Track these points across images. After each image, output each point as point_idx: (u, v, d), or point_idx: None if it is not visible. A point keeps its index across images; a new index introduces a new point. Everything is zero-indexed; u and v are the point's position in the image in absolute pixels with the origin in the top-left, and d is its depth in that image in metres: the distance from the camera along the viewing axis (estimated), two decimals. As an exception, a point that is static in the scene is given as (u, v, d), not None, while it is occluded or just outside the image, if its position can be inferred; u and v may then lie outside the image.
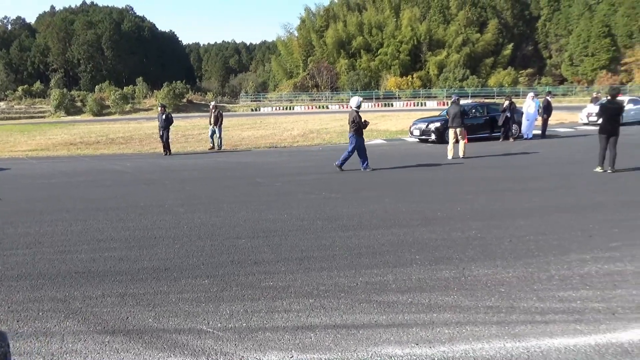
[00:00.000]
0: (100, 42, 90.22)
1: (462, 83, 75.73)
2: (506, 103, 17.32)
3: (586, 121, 24.03)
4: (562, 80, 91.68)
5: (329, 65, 79.52)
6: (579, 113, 26.22)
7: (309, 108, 60.70)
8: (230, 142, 19.62)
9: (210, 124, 17.41)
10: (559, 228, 5.75)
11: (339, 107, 61.26)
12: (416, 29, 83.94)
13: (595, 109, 23.72)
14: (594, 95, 34.80)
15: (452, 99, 13.16)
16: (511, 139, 17.29)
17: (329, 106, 63.28)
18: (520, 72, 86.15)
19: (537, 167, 11.21)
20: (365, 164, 11.07)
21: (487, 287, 4.01)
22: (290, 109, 60.48)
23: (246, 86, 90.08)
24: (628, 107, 23.38)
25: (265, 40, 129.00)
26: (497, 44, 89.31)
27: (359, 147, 11.01)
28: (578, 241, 5.21)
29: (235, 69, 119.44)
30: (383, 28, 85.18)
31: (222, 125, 17.58)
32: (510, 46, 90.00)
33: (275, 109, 61.20)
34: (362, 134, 11.10)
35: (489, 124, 17.73)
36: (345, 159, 11.10)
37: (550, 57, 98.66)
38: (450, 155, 12.52)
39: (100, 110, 59.14)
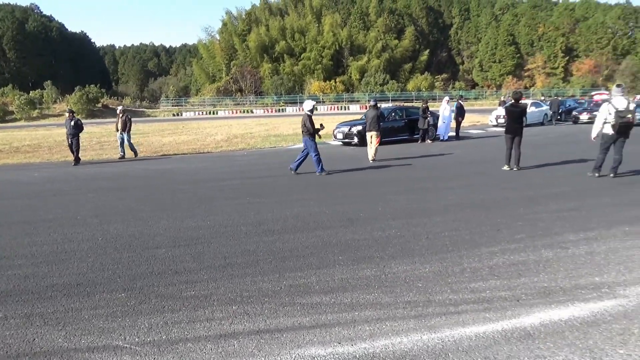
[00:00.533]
0: (2, 43, 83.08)
1: (383, 87, 78.31)
2: (423, 106, 18.20)
3: (495, 123, 25.78)
4: (474, 85, 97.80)
5: (252, 70, 78.94)
6: (489, 116, 28.06)
7: (233, 113, 59.88)
8: (150, 148, 18.87)
9: (117, 130, 16.28)
10: (471, 224, 6.12)
11: (264, 112, 61.08)
12: (338, 35, 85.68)
13: (503, 111, 25.51)
14: (502, 99, 37.45)
15: (370, 103, 13.51)
16: (428, 141, 18.16)
17: (254, 111, 62.85)
18: (436, 77, 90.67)
19: (452, 167, 11.86)
20: (319, 169, 10.99)
21: (405, 283, 4.17)
22: (213, 113, 59.32)
23: (167, 90, 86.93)
24: (530, 109, 25.44)
25: (186, 43, 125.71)
26: (414, 50, 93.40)
27: (310, 150, 10.93)
28: (488, 235, 5.58)
29: (155, 73, 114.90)
30: (305, 33, 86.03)
31: (132, 132, 16.54)
32: (426, 52, 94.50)
33: (198, 114, 59.72)
34: (314, 137, 11.03)
35: (408, 127, 18.50)
36: (319, 162, 10.95)
37: (462, 63, 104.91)
38: (370, 158, 12.86)
39: (3, 117, 54.46)
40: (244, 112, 61.20)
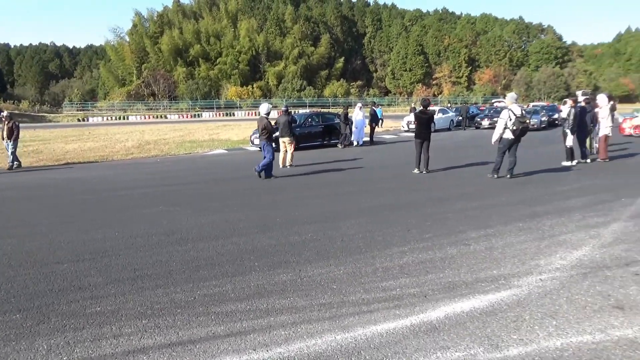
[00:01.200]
0: None
1: (300, 93, 79.10)
2: (343, 113, 18.71)
3: (407, 128, 27.05)
4: (387, 92, 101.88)
5: (165, 74, 76.13)
6: (401, 121, 29.35)
7: (145, 118, 57.26)
8: (51, 156, 17.50)
9: (4, 139, 14.59)
10: (384, 225, 6.36)
11: (179, 117, 59.11)
12: (254, 40, 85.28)
13: (413, 117, 26.78)
14: (412, 105, 39.33)
15: (281, 109, 13.56)
16: (339, 146, 18.60)
17: (168, 116, 60.62)
18: (352, 83, 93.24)
19: (366, 171, 12.25)
20: (260, 168, 10.89)
21: (321, 286, 4.24)
22: (124, 118, 56.30)
23: (71, 94, 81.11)
24: (438, 116, 27.03)
25: (91, 44, 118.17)
26: (330, 58, 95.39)
27: (267, 153, 10.83)
28: (399, 235, 5.83)
29: (57, 75, 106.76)
30: (221, 37, 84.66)
31: (23, 139, 14.78)
32: (341, 60, 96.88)
33: (107, 119, 56.38)
34: (272, 140, 10.89)
35: (324, 132, 18.85)
36: (268, 167, 10.84)
37: (376, 70, 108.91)
38: (281, 164, 12.87)
39: None
40: (157, 117, 58.78)
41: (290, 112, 13.83)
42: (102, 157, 17.10)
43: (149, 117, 57.80)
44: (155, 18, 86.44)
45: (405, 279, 4.38)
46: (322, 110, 43.32)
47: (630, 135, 20.35)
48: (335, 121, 19.63)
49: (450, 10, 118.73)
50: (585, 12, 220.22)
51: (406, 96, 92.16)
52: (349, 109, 19.74)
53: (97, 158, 16.94)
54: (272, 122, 11.09)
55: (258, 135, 10.87)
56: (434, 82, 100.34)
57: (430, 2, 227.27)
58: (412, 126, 26.54)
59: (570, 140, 11.76)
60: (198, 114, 62.06)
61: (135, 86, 74.90)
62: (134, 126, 40.20)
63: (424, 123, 11.14)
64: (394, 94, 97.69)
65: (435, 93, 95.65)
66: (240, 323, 3.54)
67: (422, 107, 11.42)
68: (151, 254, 5.29)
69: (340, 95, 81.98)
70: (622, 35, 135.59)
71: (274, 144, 11.14)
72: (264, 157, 10.88)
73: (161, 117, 59.55)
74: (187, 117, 59.63)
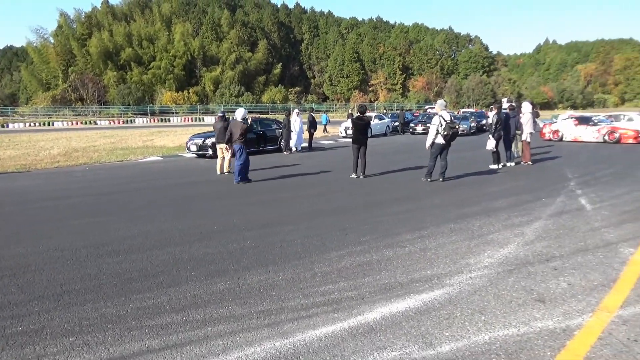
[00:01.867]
0: None
1: (238, 99, 78.21)
2: (285, 119, 18.71)
3: (345, 134, 27.45)
4: (325, 98, 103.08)
5: (94, 77, 72.67)
6: (339, 127, 29.75)
7: (72, 124, 54.22)
8: (-35, 165, 16.12)
9: None
10: (322, 230, 6.42)
11: (110, 123, 56.54)
12: (189, 44, 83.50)
13: (350, 123, 27.28)
14: (349, 111, 40.06)
15: (218, 114, 13.33)
16: (285, 152, 18.61)
17: (98, 122, 57.80)
18: (290, 89, 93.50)
19: (305, 176, 12.29)
20: (242, 175, 11.00)
21: (259, 293, 4.21)
22: (49, 125, 52.99)
23: (-13, 98, 75.41)
24: (374, 122, 27.69)
25: (11, 45, 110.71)
26: (267, 63, 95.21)
27: (239, 157, 10.92)
28: (337, 240, 5.91)
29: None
30: (155, 41, 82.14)
31: None
32: (279, 66, 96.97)
33: (30, 125, 52.80)
34: (245, 144, 11.02)
35: (263, 138, 18.76)
36: (241, 170, 10.96)
37: (314, 77, 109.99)
38: (218, 170, 12.66)
39: None
40: (86, 123, 55.85)
41: (227, 118, 13.64)
42: (25, 166, 15.98)
43: (77, 123, 54.78)
44: (82, 19, 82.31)
45: (344, 282, 4.44)
46: (261, 116, 43.15)
47: (550, 140, 21.88)
48: (273, 127, 19.58)
49: (385, 20, 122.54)
50: (509, 24, 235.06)
51: (344, 102, 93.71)
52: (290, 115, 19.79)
53: (19, 167, 15.82)
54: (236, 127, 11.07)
55: (233, 139, 11.05)
56: (370, 89, 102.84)
57: (365, 10, 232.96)
58: (350, 132, 27.06)
59: (490, 144, 12.45)
60: (131, 120, 59.67)
61: (62, 90, 70.91)
62: (60, 133, 37.94)
63: (361, 129, 11.37)
64: (332, 100, 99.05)
65: (372, 99, 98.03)
66: (176, 335, 3.44)
67: (359, 113, 11.65)
68: (79, 268, 5.01)
69: (278, 101, 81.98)
70: (542, 47, 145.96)
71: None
72: (236, 161, 11.03)
73: (90, 123, 56.66)
74: (119, 123, 57.14)
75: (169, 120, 60.97)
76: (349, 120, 29.78)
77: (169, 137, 29.42)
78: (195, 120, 60.58)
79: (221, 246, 5.71)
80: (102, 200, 9.46)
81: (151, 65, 79.41)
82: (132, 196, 9.86)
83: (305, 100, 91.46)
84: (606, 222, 6.58)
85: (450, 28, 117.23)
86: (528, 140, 13.41)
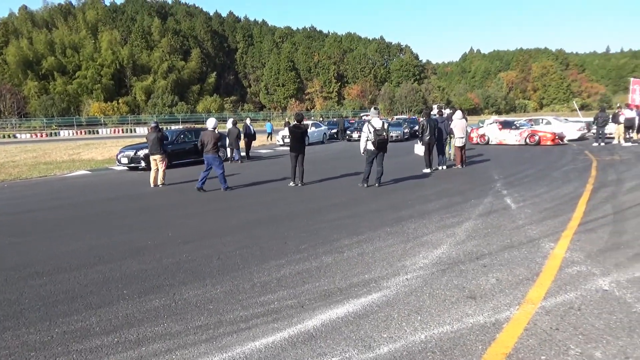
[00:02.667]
0: None
1: (172, 109, 76.19)
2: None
3: (282, 142, 27.46)
4: (262, 107, 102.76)
5: (12, 88, 67.98)
6: (276, 136, 29.70)
7: (-12, 138, 50.35)
8: None
9: None
10: (261, 239, 6.36)
11: (32, 136, 53.11)
12: (118, 53, 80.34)
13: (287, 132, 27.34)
14: (286, 120, 40.13)
15: (151, 125, 12.92)
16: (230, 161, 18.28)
17: (18, 135, 54.10)
18: (226, 99, 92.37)
19: (243, 186, 12.14)
20: (225, 185, 11.10)
21: (197, 307, 4.09)
22: (-39, 139, 48.88)
23: None
24: (311, 130, 27.92)
25: None
26: (202, 72, 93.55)
27: (212, 166, 11.07)
28: (276, 248, 5.87)
29: None
30: (80, 49, 78.32)
31: None
32: (214, 75, 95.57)
33: (-62, 141, 48.42)
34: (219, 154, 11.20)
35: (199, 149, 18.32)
36: (224, 179, 11.12)
37: (250, 86, 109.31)
38: (152, 183, 12.24)
39: None
40: (4, 137, 52.07)
41: (161, 128, 13.22)
42: None
43: (-6, 137, 50.97)
44: (-2, 26, 76.97)
45: (283, 291, 4.41)
46: (196, 126, 42.18)
47: (478, 144, 23.05)
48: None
49: (318, 29, 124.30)
50: (436, 34, 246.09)
51: (280, 111, 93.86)
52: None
53: None
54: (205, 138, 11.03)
55: (206, 149, 11.07)
56: (306, 97, 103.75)
57: (298, 20, 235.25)
58: (287, 140, 27.10)
59: (418, 149, 12.96)
60: (55, 133, 56.37)
61: (-25, 102, 65.77)
62: (-25, 148, 35.08)
63: (298, 137, 11.41)
64: (269, 108, 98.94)
65: (308, 107, 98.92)
66: (107, 358, 3.26)
67: (295, 122, 11.69)
68: (-3, 293, 4.63)
69: (214, 111, 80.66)
70: (467, 55, 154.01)
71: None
72: (207, 170, 11.10)
73: (9, 136, 52.94)
74: (41, 136, 53.80)
75: (98, 132, 58.19)
76: (286, 129, 29.90)
77: (97, 149, 28.06)
78: (127, 132, 58.24)
79: (155, 261, 5.50)
80: (23, 218, 8.84)
81: (76, 74, 75.57)
82: (57, 213, 9.29)
83: (242, 109, 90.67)
84: (529, 219, 7.01)
85: (381, 37, 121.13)
86: (459, 145, 14.05)
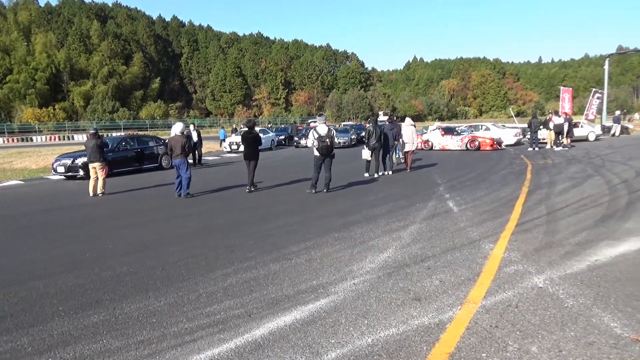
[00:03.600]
0: None
1: (113, 115, 73.40)
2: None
3: (229, 149, 27.13)
4: (208, 113, 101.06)
5: None
6: (224, 142, 29.28)
7: None
8: None
9: None
10: (207, 248, 6.22)
11: (-43, 144, 49.44)
12: (54, 56, 76.53)
13: (236, 138, 27.17)
14: (234, 126, 39.73)
15: (90, 132, 12.40)
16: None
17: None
18: (170, 105, 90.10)
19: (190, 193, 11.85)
20: (186, 190, 11.04)
21: (139, 322, 3.93)
22: None
23: None
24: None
25: None
26: (145, 78, 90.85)
27: (180, 170, 11.01)
28: (222, 257, 5.76)
29: None
30: (11, 52, 74.03)
31: None
32: (157, 80, 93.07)
33: None
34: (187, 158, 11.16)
35: (141, 156, 17.75)
36: (189, 184, 11.05)
37: (195, 92, 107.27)
38: (91, 192, 11.73)
39: None
40: None
41: (100, 135, 12.68)
42: None
43: None
44: None
45: (230, 300, 4.33)
46: (139, 133, 40.86)
47: (422, 149, 23.74)
48: (151, 144, 18.60)
49: (265, 35, 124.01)
50: (381, 42, 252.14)
51: (228, 117, 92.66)
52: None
53: None
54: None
55: (174, 154, 10.96)
56: (254, 104, 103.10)
57: (245, 26, 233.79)
58: (235, 147, 26.80)
59: (365, 154, 13.27)
60: (-17, 140, 52.80)
61: None
62: None
63: (251, 143, 11.29)
64: (215, 115, 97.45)
65: (256, 114, 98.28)
66: (40, 380, 3.07)
67: (247, 128, 11.60)
68: None
69: (158, 117, 78.51)
70: (411, 64, 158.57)
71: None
72: (179, 176, 11.04)
73: None
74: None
75: (31, 140, 55.06)
76: (234, 136, 29.55)
77: (31, 158, 26.51)
78: (64, 139, 55.48)
79: (94, 275, 5.25)
80: (-54, 233, 8.18)
81: (7, 79, 71.22)
82: (-15, 227, 8.67)
83: (188, 115, 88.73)
84: (470, 221, 7.28)
85: (328, 45, 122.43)
86: (407, 149, 14.61)
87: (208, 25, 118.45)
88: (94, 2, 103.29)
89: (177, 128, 11.31)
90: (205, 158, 23.34)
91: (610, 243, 5.74)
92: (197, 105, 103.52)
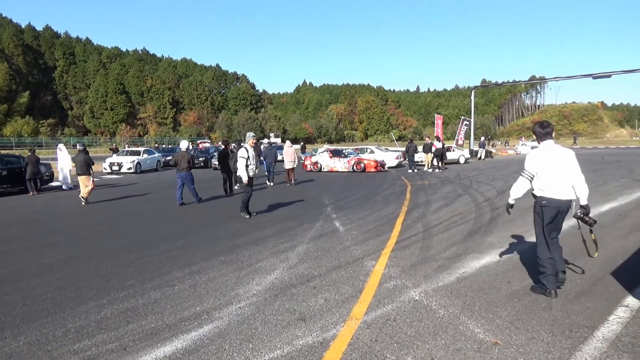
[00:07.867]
0: None
1: (-31, 131, 64.92)
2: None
3: (109, 170, 25.38)
4: (87, 131, 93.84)
5: None
6: (103, 163, 27.28)
7: None
8: None
9: None
10: (79, 279, 5.69)
11: None
12: None
13: (117, 158, 25.65)
14: (114, 145, 37.55)
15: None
16: (33, 193, 16.03)
17: None
18: (41, 121, 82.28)
19: (58, 220, 10.81)
20: (197, 197, 12.68)
21: (-10, 366, 3.45)
22: None
23: None
24: (144, 157, 26.63)
25: None
26: (11, 91, 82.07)
27: (185, 182, 12.41)
28: (96, 287, 5.31)
29: None
30: None
31: None
32: (26, 94, 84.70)
33: None
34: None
35: (6, 178, 15.88)
36: (196, 193, 12.68)
37: (71, 108, 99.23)
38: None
39: None
40: None
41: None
42: None
43: None
44: None
45: (103, 334, 3.99)
46: (3, 152, 36.51)
47: (311, 171, 24.33)
48: (15, 165, 16.72)
49: (151, 52, 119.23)
50: (272, 65, 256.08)
51: (109, 136, 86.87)
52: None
53: None
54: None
55: (179, 167, 12.33)
56: (138, 122, 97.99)
57: (128, 41, 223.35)
58: (115, 167, 25.14)
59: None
60: None
61: None
62: None
63: (224, 159, 10.98)
64: (95, 133, 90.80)
65: (141, 133, 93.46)
66: None
67: (223, 146, 11.28)
68: None
69: (26, 134, 71.06)
70: (300, 87, 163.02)
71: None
72: (181, 187, 12.36)
73: None
74: None
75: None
76: (114, 156, 27.70)
77: None
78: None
79: None
80: None
81: None
82: None
83: (62, 133, 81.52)
84: (354, 240, 7.58)
85: (218, 65, 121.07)
86: (289, 167, 17.87)
87: (87, 37, 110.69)
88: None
89: (183, 145, 12.85)
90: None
91: (476, 256, 6.34)
92: (74, 122, 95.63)
